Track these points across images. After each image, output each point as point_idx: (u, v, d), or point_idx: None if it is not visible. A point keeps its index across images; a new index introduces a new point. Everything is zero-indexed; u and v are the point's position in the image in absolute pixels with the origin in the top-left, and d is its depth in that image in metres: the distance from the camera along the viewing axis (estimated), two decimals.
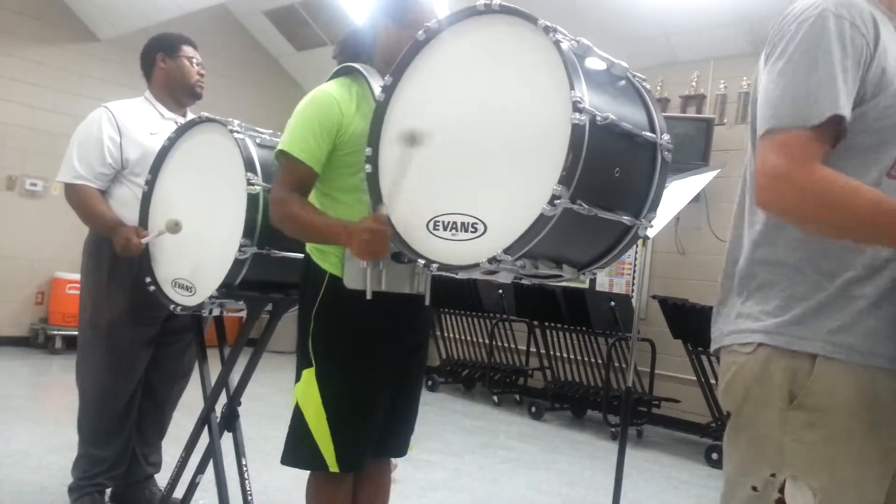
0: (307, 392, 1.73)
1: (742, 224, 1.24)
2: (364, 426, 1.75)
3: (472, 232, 1.49)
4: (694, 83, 5.56)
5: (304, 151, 1.69)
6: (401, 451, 1.92)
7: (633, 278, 5.75)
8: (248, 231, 1.96)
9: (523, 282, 1.60)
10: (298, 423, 1.74)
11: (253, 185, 1.97)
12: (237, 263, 1.98)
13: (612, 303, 5.22)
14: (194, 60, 2.62)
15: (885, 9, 1.19)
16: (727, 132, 5.30)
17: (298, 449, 1.74)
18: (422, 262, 1.54)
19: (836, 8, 1.09)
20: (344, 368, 1.73)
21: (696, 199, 4.67)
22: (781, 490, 1.09)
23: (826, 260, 1.12)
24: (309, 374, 1.73)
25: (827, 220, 1.07)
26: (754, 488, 1.12)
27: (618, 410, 4.97)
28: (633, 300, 5.41)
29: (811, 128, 1.06)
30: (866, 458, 1.09)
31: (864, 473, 1.09)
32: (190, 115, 2.61)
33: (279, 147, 1.73)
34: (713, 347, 1.25)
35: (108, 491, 2.61)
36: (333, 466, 1.70)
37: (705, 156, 5.20)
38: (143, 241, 2.25)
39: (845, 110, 1.06)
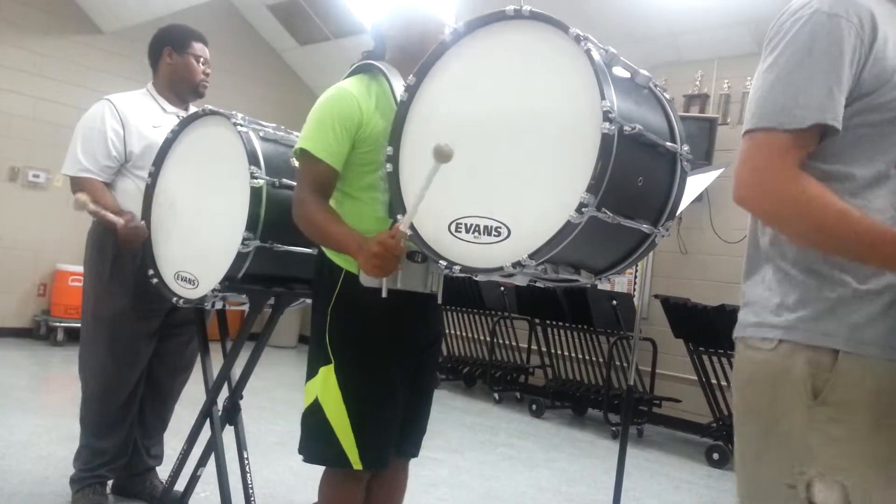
0: (327, 389, 1.71)
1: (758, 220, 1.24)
2: (386, 423, 1.73)
3: (494, 235, 1.48)
4: (698, 82, 5.55)
5: (324, 150, 1.68)
6: (414, 450, 1.90)
7: (635, 277, 5.75)
8: (251, 224, 1.96)
9: (538, 284, 1.60)
10: (318, 420, 1.71)
11: (256, 178, 1.97)
12: (240, 257, 1.98)
13: (614, 301, 5.22)
14: (201, 59, 2.62)
15: None
16: (730, 132, 5.30)
17: (319, 446, 1.72)
18: (443, 263, 1.54)
19: (830, 7, 1.08)
20: (363, 365, 1.71)
21: (699, 198, 4.67)
22: (809, 488, 1.08)
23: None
24: (328, 371, 1.71)
25: (799, 227, 1.10)
26: (791, 486, 1.11)
27: (619, 409, 4.98)
28: (635, 299, 5.42)
29: (793, 131, 1.08)
30: (891, 452, 1.08)
31: (889, 468, 1.08)
32: (192, 109, 2.60)
33: (298, 145, 1.71)
34: (735, 334, 1.24)
35: (110, 483, 2.62)
36: (357, 464, 1.68)
37: (708, 155, 5.20)
38: (133, 224, 2.28)
39: (830, 118, 1.07)
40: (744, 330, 1.21)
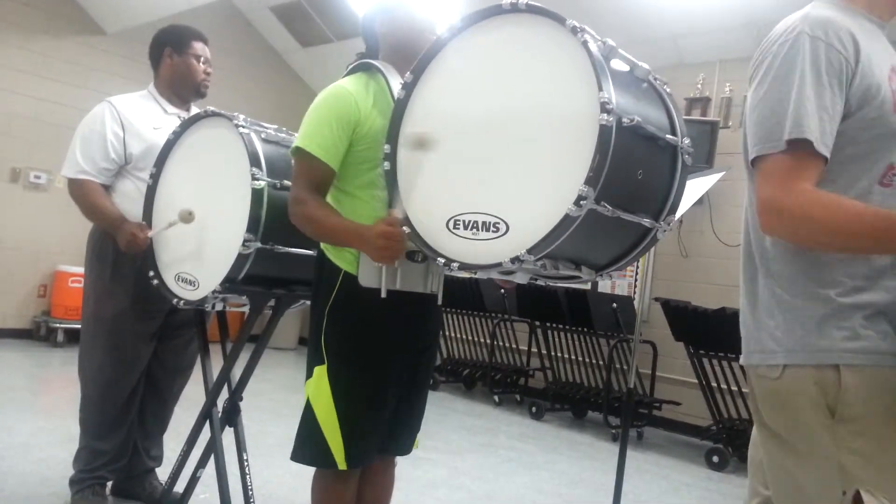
0: (318, 388, 1.72)
1: (749, 236, 1.25)
2: (374, 424, 1.74)
3: (493, 231, 1.48)
4: (699, 85, 5.55)
5: (320, 147, 1.68)
6: (406, 449, 1.91)
7: (636, 280, 5.75)
8: (252, 226, 1.96)
9: (538, 282, 1.60)
10: (309, 420, 1.72)
11: (257, 179, 1.97)
12: (240, 258, 1.98)
13: (614, 304, 5.21)
14: (202, 58, 2.61)
15: (874, 17, 1.20)
16: (732, 135, 5.29)
17: (308, 446, 1.73)
18: (442, 260, 1.53)
19: (812, 30, 1.11)
20: (356, 366, 1.72)
21: (700, 201, 4.65)
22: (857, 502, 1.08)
23: (826, 271, 1.13)
24: (321, 371, 1.72)
25: (818, 239, 1.11)
26: None
27: (618, 412, 4.97)
28: (636, 302, 5.41)
29: (784, 149, 1.10)
30: None
31: None
32: (194, 110, 2.60)
33: (295, 143, 1.71)
34: (742, 361, 1.25)
35: (110, 484, 2.62)
36: (342, 464, 1.69)
37: (709, 158, 5.20)
38: (150, 234, 2.25)
39: (812, 133, 1.09)
40: (749, 357, 1.22)
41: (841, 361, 1.09)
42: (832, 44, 1.10)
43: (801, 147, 1.09)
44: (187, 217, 2.11)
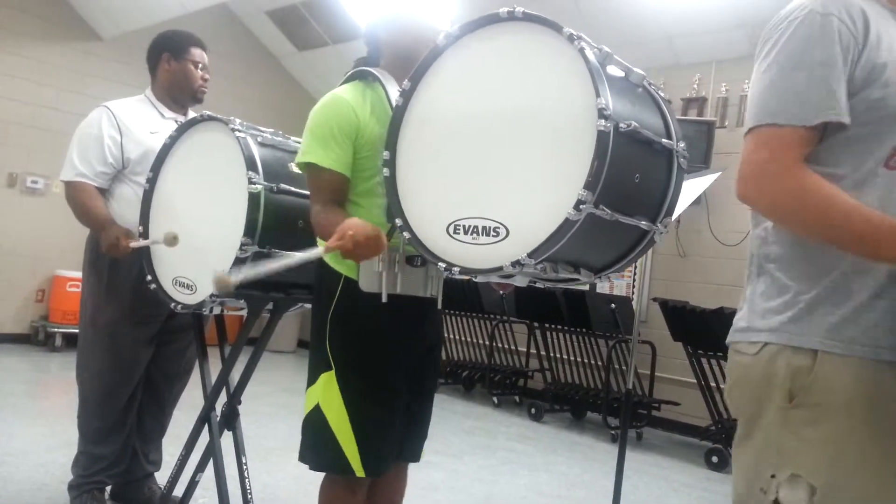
0: (328, 395, 1.70)
1: (755, 224, 1.26)
2: (388, 429, 1.73)
3: (493, 236, 1.49)
4: (695, 86, 5.56)
5: (329, 159, 1.69)
6: (415, 455, 1.90)
7: (634, 280, 5.75)
8: (249, 230, 1.96)
9: (537, 285, 1.60)
10: (320, 426, 1.70)
11: (254, 183, 1.97)
12: (238, 262, 1.98)
13: (613, 305, 5.21)
14: (200, 65, 2.61)
15: (888, 4, 1.20)
16: (728, 135, 5.30)
17: (321, 452, 1.71)
18: (442, 265, 1.54)
19: (823, 7, 1.11)
20: (364, 371, 1.71)
21: (697, 201, 4.67)
22: (778, 489, 1.09)
23: (822, 254, 1.13)
24: (329, 377, 1.71)
25: (800, 220, 1.11)
26: (762, 490, 1.12)
27: (618, 413, 4.97)
28: (634, 302, 5.41)
29: (801, 128, 1.09)
30: (870, 456, 1.08)
31: (867, 471, 1.08)
32: (191, 114, 2.60)
33: (304, 159, 1.71)
34: (727, 339, 1.26)
35: (108, 489, 2.61)
36: (360, 471, 1.68)
37: (706, 158, 5.21)
38: (132, 245, 2.24)
39: (833, 114, 1.09)
40: (733, 335, 1.23)
41: (822, 348, 1.10)
42: (843, 21, 1.10)
43: (817, 127, 1.10)
44: (171, 241, 2.10)
